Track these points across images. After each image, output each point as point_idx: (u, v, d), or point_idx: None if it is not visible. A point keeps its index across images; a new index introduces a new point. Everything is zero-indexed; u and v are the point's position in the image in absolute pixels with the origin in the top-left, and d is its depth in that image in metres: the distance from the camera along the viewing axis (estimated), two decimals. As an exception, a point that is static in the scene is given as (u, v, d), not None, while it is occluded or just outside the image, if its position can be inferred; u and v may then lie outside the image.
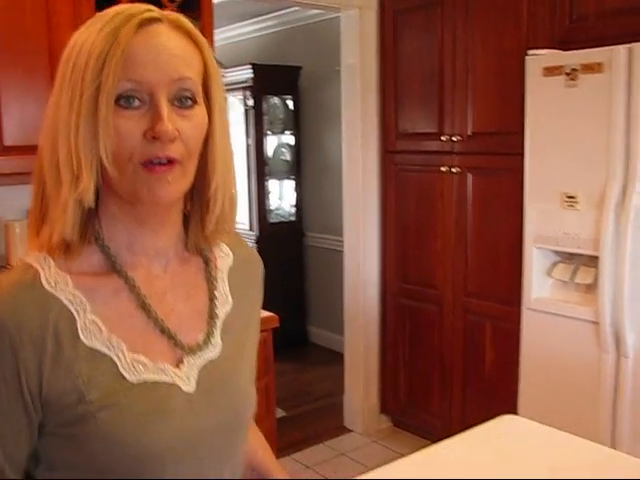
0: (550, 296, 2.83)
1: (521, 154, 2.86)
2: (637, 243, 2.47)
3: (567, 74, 2.61)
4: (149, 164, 0.85)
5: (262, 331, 2.53)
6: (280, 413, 4.02)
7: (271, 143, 5.34)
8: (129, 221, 0.91)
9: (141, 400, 0.88)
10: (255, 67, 4.91)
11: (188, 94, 0.88)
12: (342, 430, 3.84)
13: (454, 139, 3.25)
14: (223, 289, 1.03)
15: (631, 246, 2.47)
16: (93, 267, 0.91)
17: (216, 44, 5.71)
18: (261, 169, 5.12)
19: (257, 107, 5.02)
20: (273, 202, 5.40)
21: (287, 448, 3.58)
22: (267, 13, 5.20)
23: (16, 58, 2.03)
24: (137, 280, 0.92)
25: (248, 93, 4.98)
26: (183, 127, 0.86)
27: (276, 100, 5.25)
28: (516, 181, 2.96)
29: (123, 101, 0.84)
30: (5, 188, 2.31)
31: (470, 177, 3.23)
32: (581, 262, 2.72)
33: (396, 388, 3.75)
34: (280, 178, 5.39)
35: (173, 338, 0.93)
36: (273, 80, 5.06)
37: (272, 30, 5.38)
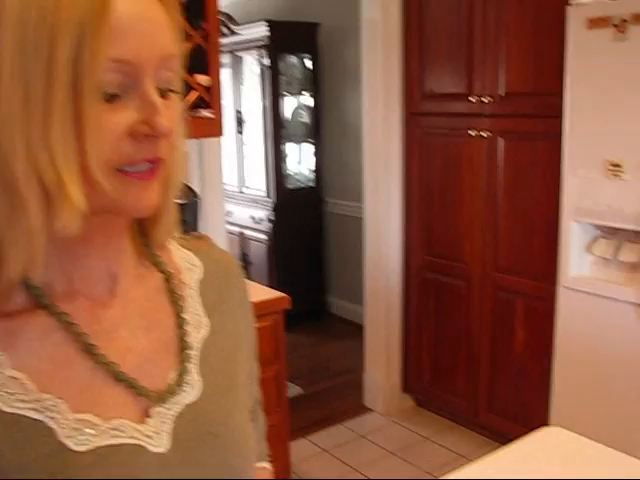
0: (590, 275, 2.60)
1: (560, 117, 2.60)
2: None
3: (615, 26, 2.32)
4: (131, 170, 0.64)
5: (273, 313, 2.36)
6: (297, 391, 3.84)
7: (288, 105, 5.06)
8: (67, 241, 0.66)
9: (95, 474, 0.65)
10: (271, 24, 4.61)
11: (171, 76, 0.66)
12: (362, 409, 3.65)
13: (484, 100, 2.97)
14: (194, 309, 0.80)
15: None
16: (15, 304, 0.67)
17: (229, 0, 5.49)
18: (278, 132, 4.85)
19: (273, 67, 4.74)
20: (291, 167, 5.14)
21: (303, 429, 3.40)
22: (283, -35, 4.90)
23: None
24: (76, 315, 0.69)
25: (264, 52, 4.70)
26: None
27: (293, 59, 4.95)
28: (554, 147, 2.69)
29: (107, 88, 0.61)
30: None
31: (502, 142, 2.95)
32: (625, 238, 2.47)
33: (420, 366, 3.54)
34: (298, 142, 5.12)
35: (133, 386, 0.70)
36: (290, 38, 4.76)
37: (288, -16, 5.07)
